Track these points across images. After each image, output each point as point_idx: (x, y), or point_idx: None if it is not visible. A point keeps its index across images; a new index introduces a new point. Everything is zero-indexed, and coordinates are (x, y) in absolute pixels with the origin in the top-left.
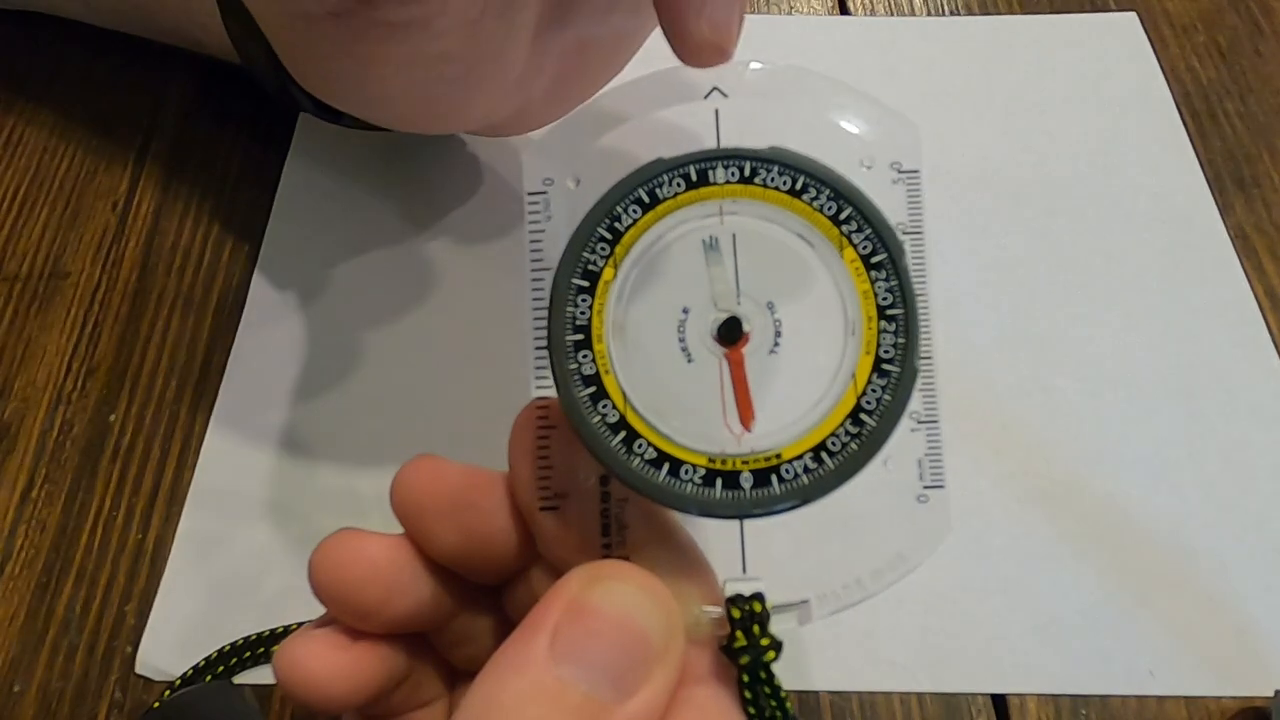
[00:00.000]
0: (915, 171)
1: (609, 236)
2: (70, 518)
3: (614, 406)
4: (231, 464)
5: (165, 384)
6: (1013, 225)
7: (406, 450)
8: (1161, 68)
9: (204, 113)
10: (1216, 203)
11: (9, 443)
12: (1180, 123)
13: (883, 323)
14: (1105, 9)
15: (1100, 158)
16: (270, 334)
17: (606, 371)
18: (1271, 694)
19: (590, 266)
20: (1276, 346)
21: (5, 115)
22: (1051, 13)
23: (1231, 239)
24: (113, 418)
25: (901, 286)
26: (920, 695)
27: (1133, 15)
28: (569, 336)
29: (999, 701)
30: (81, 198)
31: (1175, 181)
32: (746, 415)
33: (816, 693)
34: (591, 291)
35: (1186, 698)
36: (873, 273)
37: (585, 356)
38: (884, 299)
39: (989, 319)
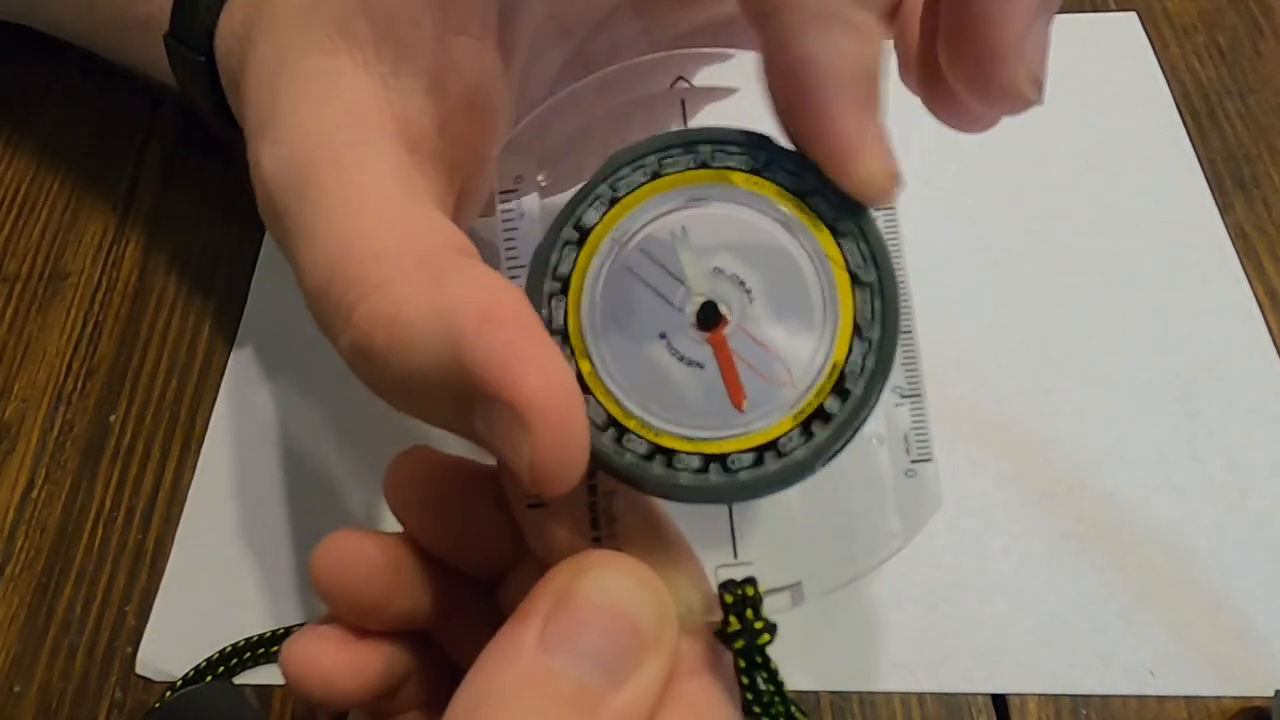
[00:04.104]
0: None
1: (576, 238)
2: (70, 518)
3: (599, 405)
4: (232, 464)
5: (165, 384)
6: (1013, 225)
7: (406, 447)
8: (1161, 68)
9: None
10: (1216, 203)
11: (9, 443)
12: (1180, 123)
13: (856, 289)
14: (1105, 9)
15: (1100, 158)
16: (270, 333)
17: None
18: (1271, 694)
19: (559, 268)
20: (1276, 346)
21: (5, 115)
22: None
23: (1231, 239)
24: (113, 418)
25: (871, 250)
26: (920, 695)
27: (1133, 15)
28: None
29: (999, 701)
30: (81, 198)
31: (1175, 181)
32: (737, 395)
33: (816, 693)
34: (564, 292)
35: (1186, 698)
36: (841, 240)
37: (567, 354)
38: (856, 265)
39: (989, 319)
